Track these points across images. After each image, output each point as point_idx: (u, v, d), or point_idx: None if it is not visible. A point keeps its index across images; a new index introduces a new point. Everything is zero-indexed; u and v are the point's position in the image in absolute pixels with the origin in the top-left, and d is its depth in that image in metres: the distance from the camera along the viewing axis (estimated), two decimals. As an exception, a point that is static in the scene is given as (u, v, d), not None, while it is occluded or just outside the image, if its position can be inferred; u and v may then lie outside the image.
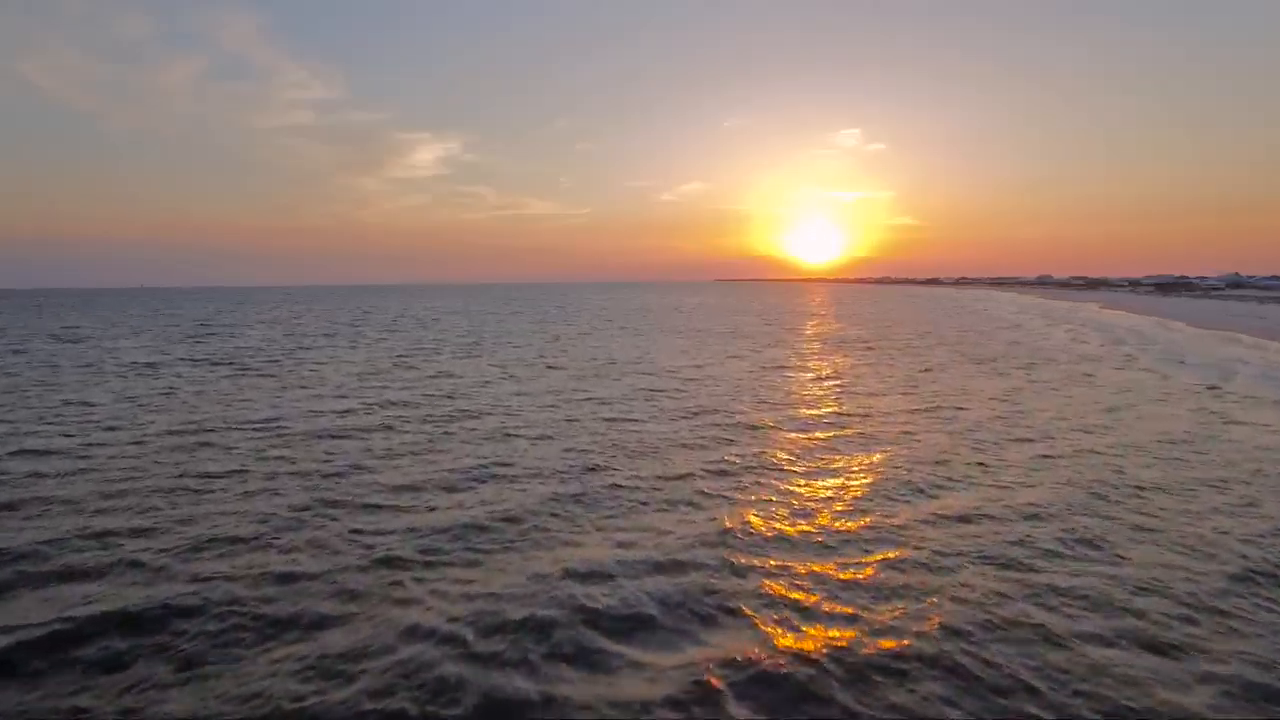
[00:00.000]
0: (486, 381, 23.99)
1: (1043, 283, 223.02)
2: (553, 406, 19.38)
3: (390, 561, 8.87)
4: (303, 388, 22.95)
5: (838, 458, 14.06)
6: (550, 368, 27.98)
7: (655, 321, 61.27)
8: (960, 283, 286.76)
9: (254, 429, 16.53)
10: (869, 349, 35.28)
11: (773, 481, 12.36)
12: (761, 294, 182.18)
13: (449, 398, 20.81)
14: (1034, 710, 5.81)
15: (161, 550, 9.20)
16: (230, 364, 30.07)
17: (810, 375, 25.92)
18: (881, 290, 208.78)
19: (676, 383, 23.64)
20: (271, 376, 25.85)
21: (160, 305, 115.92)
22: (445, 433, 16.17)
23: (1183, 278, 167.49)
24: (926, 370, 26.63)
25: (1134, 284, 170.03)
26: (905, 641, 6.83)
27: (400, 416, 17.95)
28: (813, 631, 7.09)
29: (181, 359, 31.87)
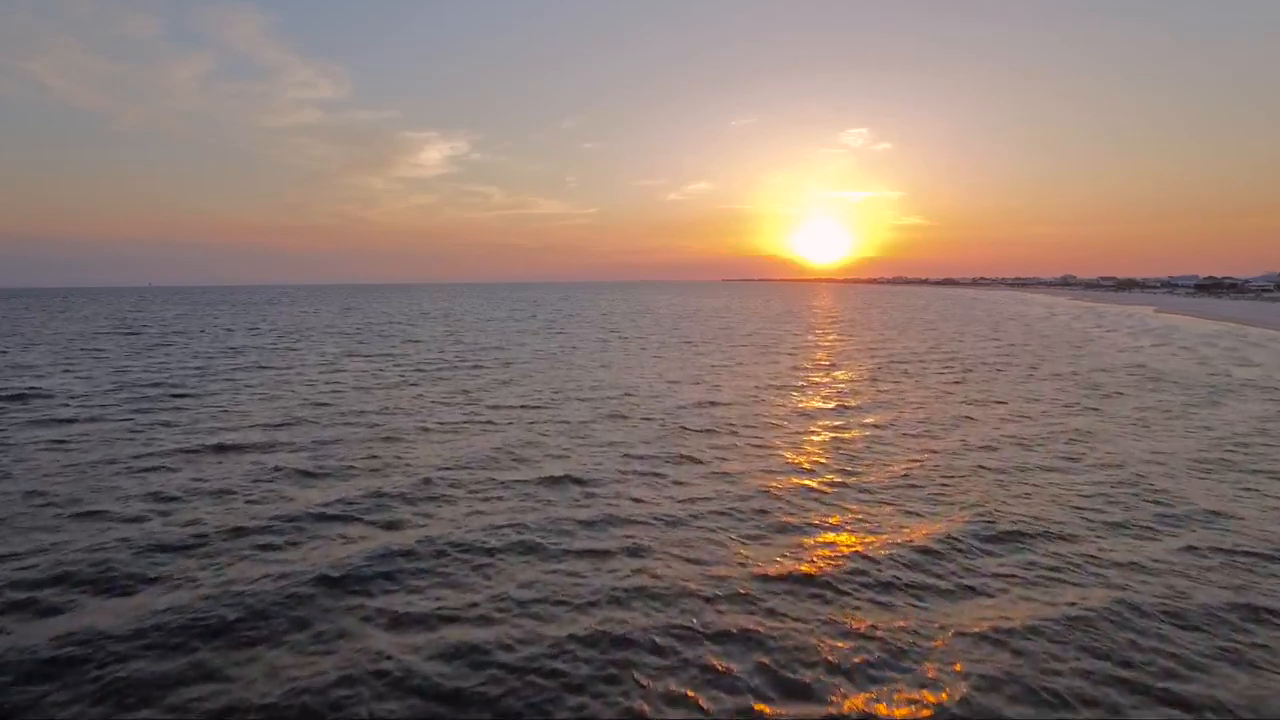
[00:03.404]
0: (441, 459, 15.19)
1: (1067, 283, 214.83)
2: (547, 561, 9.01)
3: None
4: (158, 457, 15.06)
5: None
6: (543, 435, 16.16)
7: (683, 328, 53.42)
8: (978, 283, 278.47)
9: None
10: (1020, 371, 27.20)
11: None
12: (777, 295, 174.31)
13: (353, 523, 10.53)
14: None
15: None
16: (128, 393, 22.48)
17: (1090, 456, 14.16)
18: (899, 291, 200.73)
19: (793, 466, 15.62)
20: (134, 433, 18.03)
21: (153, 307, 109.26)
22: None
23: (1211, 277, 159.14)
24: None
25: (1170, 285, 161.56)
26: None
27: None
28: None
29: (69, 393, 24.25)
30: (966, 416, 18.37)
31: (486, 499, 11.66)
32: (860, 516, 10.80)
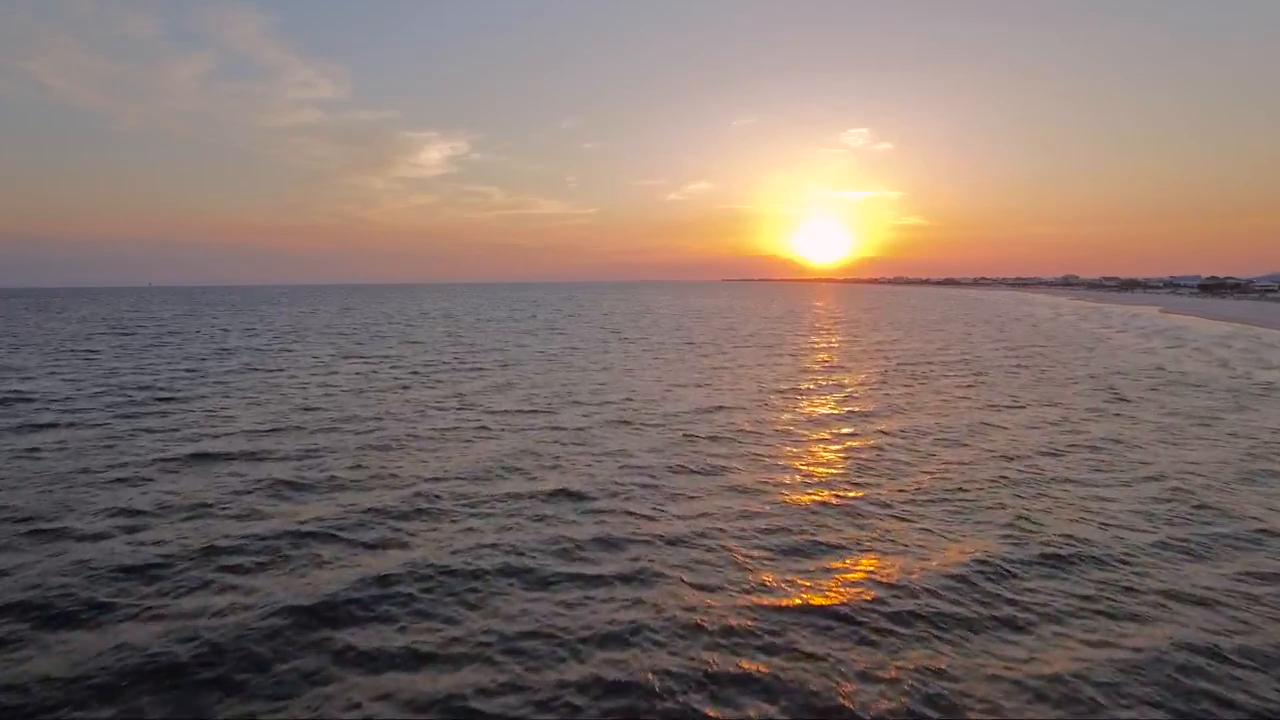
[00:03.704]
0: (432, 470, 15.01)
1: (1068, 283, 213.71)
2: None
3: None
4: (133, 467, 14.37)
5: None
6: (541, 444, 15.15)
7: (685, 329, 52.60)
8: (979, 283, 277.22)
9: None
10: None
11: None
12: (778, 295, 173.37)
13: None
14: None
15: None
16: (113, 397, 21.73)
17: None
18: (900, 291, 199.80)
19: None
20: (113, 440, 17.31)
21: (151, 307, 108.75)
22: None
23: (1214, 278, 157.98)
24: None
25: (1173, 285, 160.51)
26: None
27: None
28: None
29: (52, 397, 23.55)
30: (984, 423, 17.58)
31: (477, 516, 10.88)
32: (879, 536, 10.01)
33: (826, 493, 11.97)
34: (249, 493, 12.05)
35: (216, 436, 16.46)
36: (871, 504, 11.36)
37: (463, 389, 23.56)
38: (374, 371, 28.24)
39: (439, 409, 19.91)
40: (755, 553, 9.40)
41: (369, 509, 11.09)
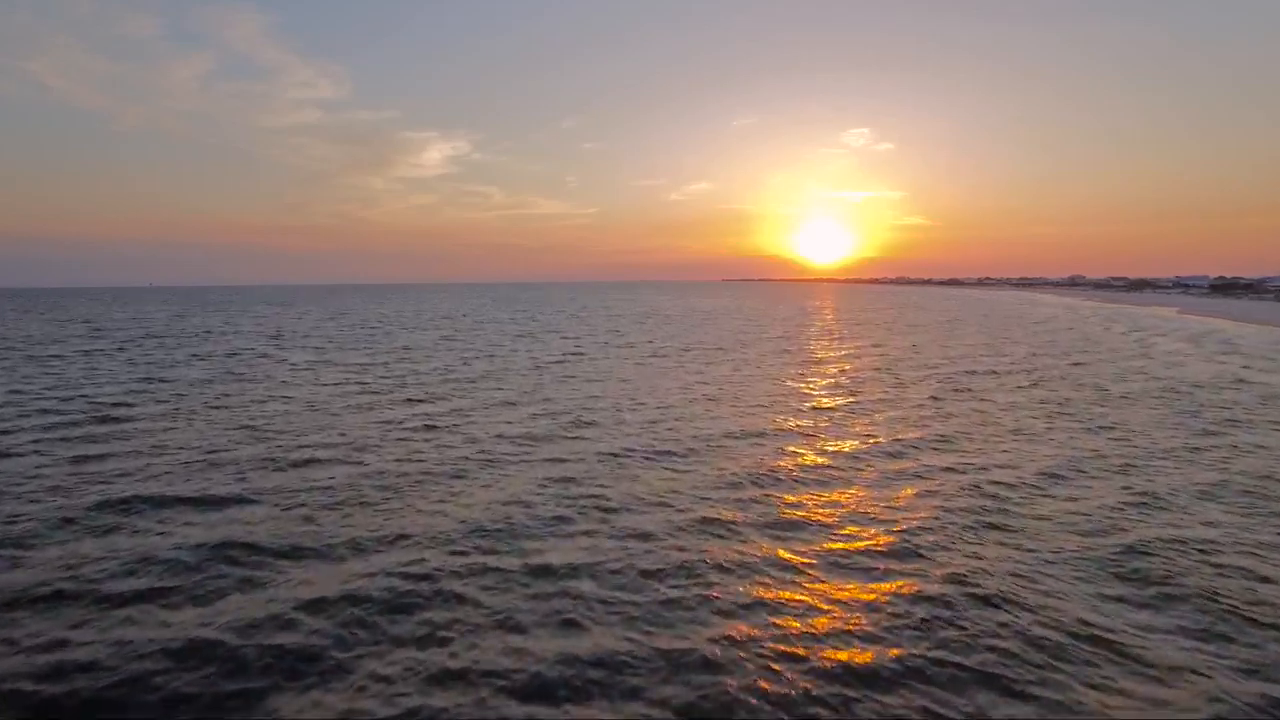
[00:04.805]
0: (381, 534, 11.16)
1: (1075, 283, 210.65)
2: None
3: None
4: (11, 523, 11.17)
5: None
6: (535, 490, 11.94)
7: (696, 332, 49.29)
8: (983, 283, 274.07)
9: None
10: None
11: None
12: (781, 295, 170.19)
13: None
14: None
15: None
16: (45, 417, 18.57)
17: None
18: (904, 291, 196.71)
19: None
20: (11, 475, 14.09)
21: (147, 307, 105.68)
22: None
23: (1222, 278, 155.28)
24: None
25: (1182, 285, 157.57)
26: None
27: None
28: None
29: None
30: (1089, 453, 14.21)
31: (417, 613, 7.56)
32: (1040, 649, 6.75)
33: (932, 569, 8.72)
34: (134, 570, 8.81)
35: (135, 473, 13.24)
36: (1004, 590, 8.10)
37: (446, 406, 20.29)
38: (349, 381, 24.98)
39: (408, 434, 16.57)
40: (839, 689, 6.19)
41: (280, 601, 7.83)
